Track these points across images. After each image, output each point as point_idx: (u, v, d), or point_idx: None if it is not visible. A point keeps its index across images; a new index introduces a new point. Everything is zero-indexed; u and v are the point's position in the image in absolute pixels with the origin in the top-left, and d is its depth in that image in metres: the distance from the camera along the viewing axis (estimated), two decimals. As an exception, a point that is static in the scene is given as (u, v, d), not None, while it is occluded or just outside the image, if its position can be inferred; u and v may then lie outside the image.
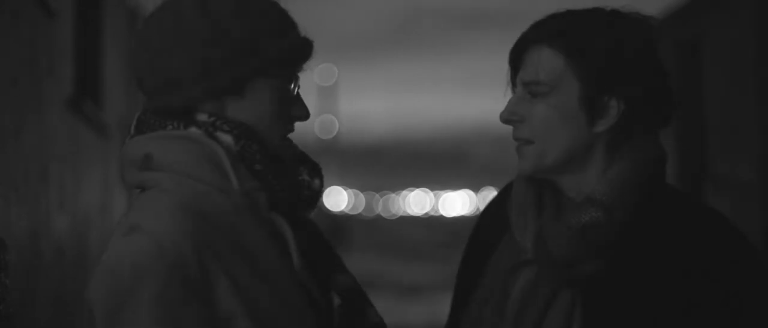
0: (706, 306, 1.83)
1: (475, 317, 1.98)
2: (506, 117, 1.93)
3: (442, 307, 15.60)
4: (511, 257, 1.98)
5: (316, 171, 1.87)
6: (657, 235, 1.88)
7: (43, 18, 4.99)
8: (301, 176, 1.83)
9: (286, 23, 1.81)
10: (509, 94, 1.97)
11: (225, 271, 1.68)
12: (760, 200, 9.55)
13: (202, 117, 1.78)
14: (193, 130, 1.77)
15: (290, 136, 1.86)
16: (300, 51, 1.82)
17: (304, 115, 1.85)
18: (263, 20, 1.78)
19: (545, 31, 1.90)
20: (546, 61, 1.89)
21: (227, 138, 1.76)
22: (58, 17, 5.38)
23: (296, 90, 1.84)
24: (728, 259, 1.85)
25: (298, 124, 1.87)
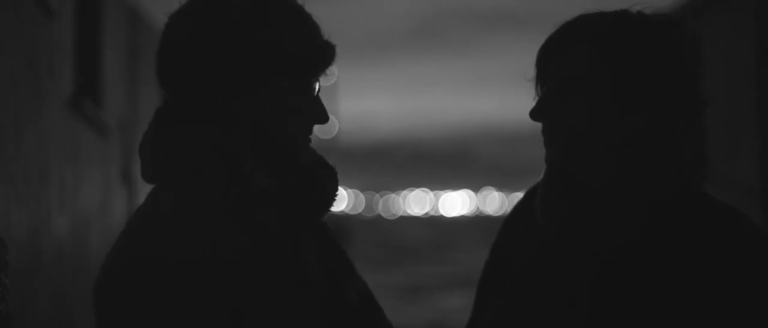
0: (720, 293, 1.87)
1: (499, 307, 2.02)
2: (536, 113, 1.97)
3: (442, 307, 15.61)
4: (534, 248, 2.02)
5: (331, 175, 1.87)
6: (678, 227, 1.92)
7: (43, 18, 4.99)
8: (317, 178, 1.83)
9: (309, 26, 1.81)
10: (532, 94, 2.02)
11: (240, 269, 1.69)
12: (761, 201, 9.55)
13: (221, 115, 1.78)
14: (211, 127, 1.77)
15: (310, 138, 1.86)
16: (322, 54, 1.82)
17: (323, 118, 1.85)
18: (286, 22, 1.78)
19: (578, 30, 1.96)
20: (575, 58, 1.94)
21: (244, 137, 1.77)
22: (58, 17, 5.38)
23: (316, 93, 1.84)
24: (745, 250, 1.89)
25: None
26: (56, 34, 5.40)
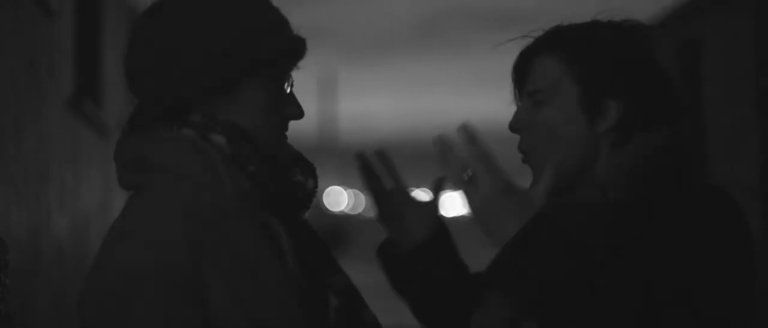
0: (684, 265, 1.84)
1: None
2: (512, 125, 2.01)
3: (442, 307, 15.57)
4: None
5: (310, 171, 1.85)
6: (651, 213, 1.91)
7: (43, 18, 4.98)
8: (296, 176, 1.82)
9: (277, 22, 1.80)
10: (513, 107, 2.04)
11: (220, 273, 1.68)
12: (761, 201, 9.55)
13: (195, 118, 1.76)
14: (186, 131, 1.75)
15: (286, 135, 1.85)
16: (292, 50, 1.80)
17: (298, 114, 1.84)
18: (254, 19, 1.77)
19: (543, 43, 2.00)
20: (545, 70, 1.98)
21: (220, 139, 1.75)
22: (58, 17, 5.38)
23: (290, 89, 1.83)
24: (711, 226, 1.87)
25: (298, 123, 1.86)
26: (56, 34, 5.40)
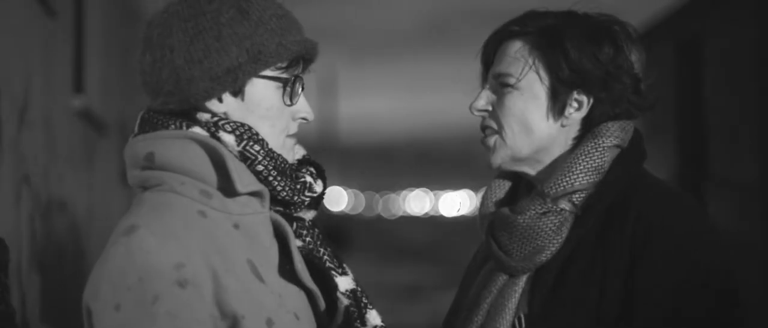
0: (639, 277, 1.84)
1: (447, 317, 2.06)
2: (480, 107, 1.98)
3: (442, 307, 15.63)
4: (482, 256, 2.04)
5: (319, 173, 1.87)
6: (601, 218, 1.90)
7: (43, 18, 4.99)
8: (304, 177, 1.83)
9: (289, 25, 1.81)
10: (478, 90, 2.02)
11: (227, 271, 1.69)
12: (761, 201, 9.55)
13: (205, 117, 1.78)
14: (196, 130, 1.77)
15: (296, 137, 1.86)
16: (303, 53, 1.82)
17: (307, 116, 1.85)
18: (266, 22, 1.78)
19: (518, 27, 1.96)
20: (517, 54, 1.94)
21: (229, 138, 1.76)
22: (58, 17, 5.38)
23: (299, 91, 1.84)
24: (666, 234, 1.86)
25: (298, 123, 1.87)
26: (56, 34, 5.40)
